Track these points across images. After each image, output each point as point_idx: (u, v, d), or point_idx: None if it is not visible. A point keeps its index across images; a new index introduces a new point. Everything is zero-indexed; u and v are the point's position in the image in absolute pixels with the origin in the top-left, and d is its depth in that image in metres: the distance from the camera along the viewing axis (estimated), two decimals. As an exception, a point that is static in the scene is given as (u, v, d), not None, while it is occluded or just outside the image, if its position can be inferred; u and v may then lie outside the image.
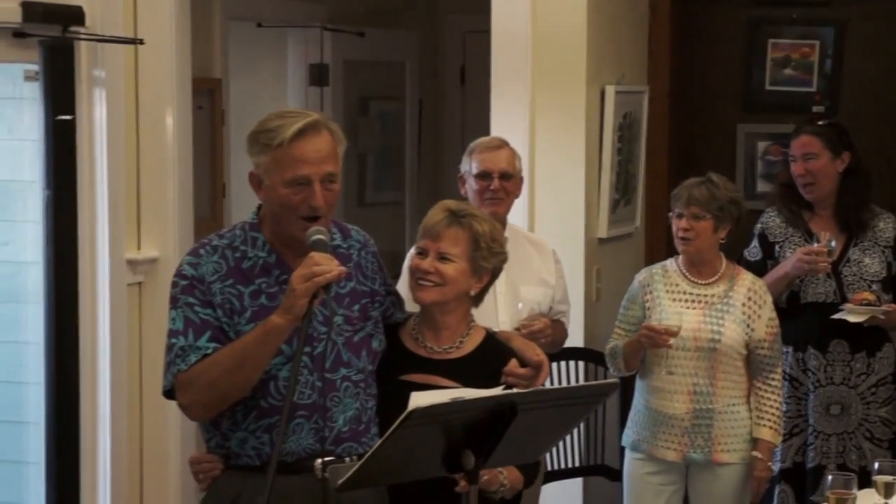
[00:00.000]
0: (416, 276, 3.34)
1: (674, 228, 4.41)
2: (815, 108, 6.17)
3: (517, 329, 4.08)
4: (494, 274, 3.44)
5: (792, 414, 4.82)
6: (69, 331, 4.33)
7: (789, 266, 4.71)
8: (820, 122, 4.91)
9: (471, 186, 4.24)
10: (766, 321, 4.39)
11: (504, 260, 3.47)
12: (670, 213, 4.42)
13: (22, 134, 4.49)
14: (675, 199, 4.40)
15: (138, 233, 4.79)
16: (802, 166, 4.80)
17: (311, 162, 3.05)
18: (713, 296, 4.39)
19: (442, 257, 3.33)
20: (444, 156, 7.45)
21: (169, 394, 3.15)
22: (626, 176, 5.59)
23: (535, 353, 3.45)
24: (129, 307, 4.68)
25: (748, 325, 4.35)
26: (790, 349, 4.81)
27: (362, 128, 6.85)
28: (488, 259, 3.39)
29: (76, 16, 4.33)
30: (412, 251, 3.45)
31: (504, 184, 4.21)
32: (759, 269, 4.75)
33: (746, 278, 4.44)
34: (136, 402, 4.73)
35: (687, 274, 4.43)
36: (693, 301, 4.38)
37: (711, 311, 4.36)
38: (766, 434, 4.36)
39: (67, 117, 4.28)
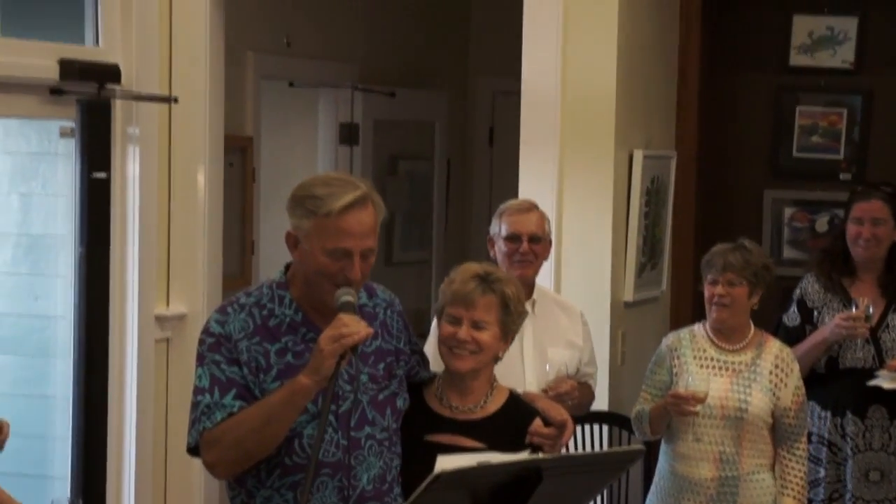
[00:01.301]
0: (451, 344, 3.33)
1: (707, 295, 4.39)
2: (843, 176, 6.18)
3: (544, 391, 4.08)
4: (514, 334, 3.46)
5: (831, 479, 4.80)
6: (97, 386, 4.36)
7: (827, 331, 4.72)
8: (886, 189, 4.92)
9: (500, 248, 4.26)
10: (792, 390, 4.38)
11: (524, 318, 3.48)
12: (705, 281, 4.41)
13: (56, 189, 4.54)
14: (707, 266, 4.39)
15: (167, 289, 4.82)
16: (871, 230, 4.81)
17: (355, 236, 3.08)
18: (741, 363, 4.38)
19: (476, 325, 3.34)
20: (471, 216, 7.49)
21: (193, 451, 3.16)
22: (653, 240, 5.60)
23: (559, 412, 3.45)
24: (156, 363, 4.71)
25: (774, 394, 4.34)
26: (828, 414, 4.80)
27: (391, 187, 6.89)
28: (517, 322, 3.41)
29: (112, 73, 4.40)
30: (441, 318, 3.41)
31: (533, 247, 4.23)
32: (797, 335, 4.77)
33: (774, 346, 4.44)
34: (162, 457, 4.75)
35: (715, 340, 4.42)
36: (721, 368, 4.37)
37: (739, 379, 4.34)
38: (789, 504, 4.35)
39: (102, 175, 4.32)
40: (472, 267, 3.42)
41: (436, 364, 3.50)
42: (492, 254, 4.30)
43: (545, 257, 4.33)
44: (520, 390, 3.60)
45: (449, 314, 3.36)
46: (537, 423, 3.35)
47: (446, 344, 3.34)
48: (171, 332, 4.80)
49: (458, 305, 3.34)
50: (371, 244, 3.12)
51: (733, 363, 4.38)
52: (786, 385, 4.36)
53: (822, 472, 4.78)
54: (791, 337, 4.69)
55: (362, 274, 3.11)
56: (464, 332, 3.32)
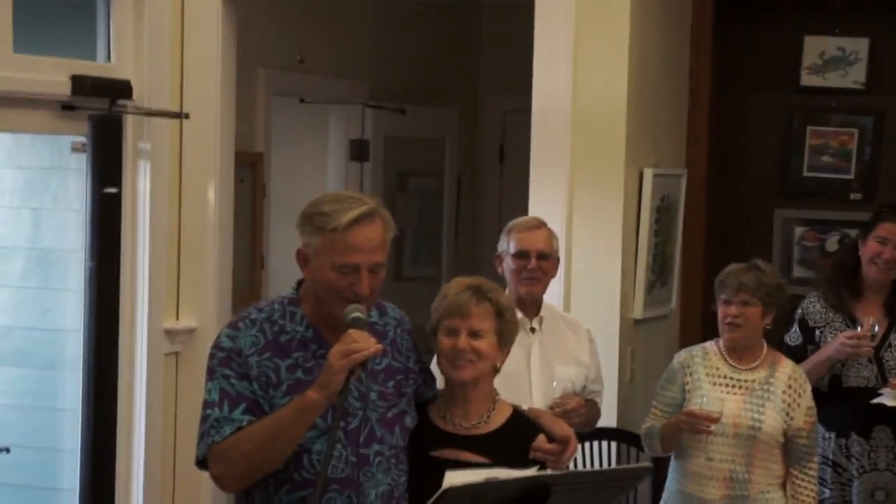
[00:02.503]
0: (451, 356, 3.35)
1: (720, 315, 4.38)
2: (853, 196, 6.19)
3: (551, 408, 4.09)
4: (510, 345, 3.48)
5: (836, 500, 4.80)
6: (107, 399, 4.37)
7: (832, 350, 4.72)
8: None
9: (508, 265, 4.27)
10: (804, 410, 4.37)
11: (519, 328, 3.49)
12: (718, 300, 4.40)
13: (67, 204, 4.56)
14: (721, 287, 4.38)
15: (177, 303, 4.83)
16: (892, 253, 4.79)
17: (363, 250, 3.09)
18: (754, 381, 4.37)
19: (474, 334, 3.35)
20: (480, 232, 7.49)
21: (201, 464, 3.17)
22: (663, 258, 5.60)
23: (563, 428, 3.46)
24: (165, 377, 4.72)
25: (788, 414, 4.33)
26: (833, 435, 4.79)
27: (401, 203, 6.90)
28: (512, 330, 3.42)
29: (124, 89, 4.41)
30: (437, 334, 3.40)
31: (541, 264, 4.24)
32: (799, 354, 4.76)
33: (787, 365, 4.43)
34: (170, 470, 4.76)
35: (728, 358, 4.41)
36: (734, 386, 4.37)
37: (752, 398, 4.34)
38: (802, 523, 4.34)
39: (113, 190, 4.34)
40: (463, 280, 3.44)
41: (440, 382, 3.50)
42: (500, 271, 4.31)
43: (553, 275, 4.33)
44: (525, 406, 3.61)
45: (446, 326, 3.37)
46: (541, 439, 3.36)
47: (446, 357, 3.35)
48: (181, 345, 4.81)
49: (454, 317, 3.36)
50: (379, 259, 3.13)
51: (746, 382, 4.37)
52: (798, 405, 4.35)
53: (827, 493, 4.77)
54: (793, 356, 4.68)
55: (371, 289, 3.12)
56: (462, 341, 3.33)
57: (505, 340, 3.40)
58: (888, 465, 4.78)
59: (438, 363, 3.41)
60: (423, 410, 3.38)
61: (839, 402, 4.77)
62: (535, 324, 4.25)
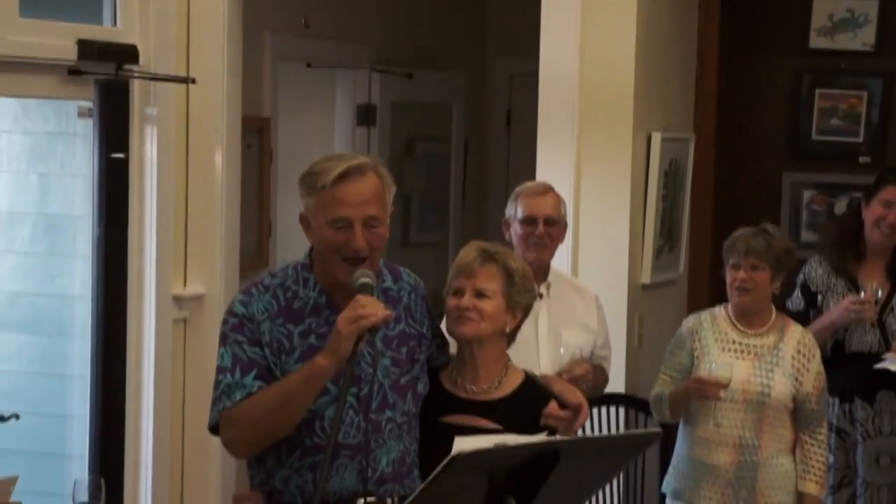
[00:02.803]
0: (454, 313, 3.36)
1: (728, 279, 4.37)
2: (862, 160, 6.17)
3: (559, 374, 4.08)
4: (526, 311, 3.46)
5: (840, 465, 4.80)
6: (115, 365, 4.38)
7: (835, 315, 4.71)
8: None
9: (515, 231, 4.26)
10: (814, 375, 4.37)
11: (534, 298, 3.50)
12: (726, 265, 4.39)
13: (73, 169, 4.55)
14: (729, 251, 4.37)
15: (185, 269, 4.83)
16: None
17: (352, 204, 3.09)
18: (763, 347, 4.37)
19: (479, 293, 3.35)
20: (488, 197, 7.48)
21: (214, 430, 3.19)
22: (671, 222, 5.59)
23: (575, 395, 3.47)
24: (173, 343, 4.73)
25: (797, 379, 4.33)
26: (836, 400, 4.79)
27: (408, 168, 6.89)
28: (522, 295, 3.41)
29: (130, 54, 4.40)
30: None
31: (549, 229, 4.23)
32: (801, 319, 4.75)
33: (796, 330, 4.42)
34: (179, 436, 4.77)
35: (737, 323, 4.40)
36: (743, 351, 4.36)
37: (761, 363, 4.33)
38: (812, 489, 4.33)
39: (120, 155, 4.33)
40: (478, 243, 3.46)
41: (453, 347, 3.50)
42: (507, 236, 4.30)
43: (561, 240, 4.32)
44: (535, 373, 3.61)
45: (453, 287, 3.39)
46: (553, 406, 3.36)
47: (450, 315, 3.37)
48: (189, 312, 4.81)
49: (460, 276, 3.38)
50: (372, 212, 3.11)
51: (755, 347, 4.37)
52: (808, 370, 4.35)
53: (832, 458, 4.78)
54: (795, 321, 4.69)
55: (370, 245, 3.11)
56: (466, 299, 3.34)
57: (514, 304, 3.39)
58: (893, 429, 4.79)
59: (446, 324, 3.41)
60: (435, 376, 3.39)
61: (842, 368, 4.77)
62: (542, 290, 4.24)
